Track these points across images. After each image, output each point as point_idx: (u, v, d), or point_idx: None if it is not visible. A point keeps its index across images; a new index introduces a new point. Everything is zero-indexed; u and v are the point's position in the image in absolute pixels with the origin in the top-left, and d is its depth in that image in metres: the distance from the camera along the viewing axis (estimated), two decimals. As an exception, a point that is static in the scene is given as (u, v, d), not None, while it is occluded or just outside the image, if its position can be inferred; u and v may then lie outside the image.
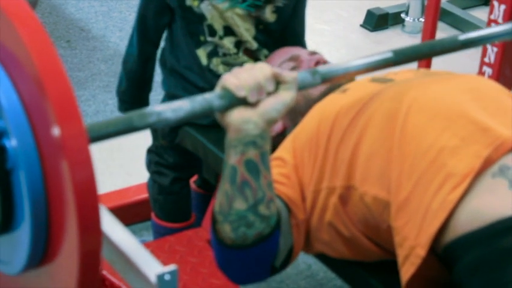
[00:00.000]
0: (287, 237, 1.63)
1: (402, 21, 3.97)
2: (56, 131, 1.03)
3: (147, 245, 2.15)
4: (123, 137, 3.24)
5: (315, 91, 1.83)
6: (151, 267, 1.12)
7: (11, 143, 1.09)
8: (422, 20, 3.85)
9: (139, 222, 2.61)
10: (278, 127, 1.87)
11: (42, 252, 1.12)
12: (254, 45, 2.08)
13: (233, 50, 2.07)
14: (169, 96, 2.16)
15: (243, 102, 1.47)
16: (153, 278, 1.12)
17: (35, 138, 1.08)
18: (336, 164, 1.65)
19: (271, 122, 1.51)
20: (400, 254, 1.54)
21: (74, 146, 1.03)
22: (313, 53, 1.93)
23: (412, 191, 1.53)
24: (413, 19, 3.94)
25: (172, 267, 1.12)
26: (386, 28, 3.99)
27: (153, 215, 2.32)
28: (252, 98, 1.47)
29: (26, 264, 1.14)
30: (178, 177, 2.24)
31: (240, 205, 1.53)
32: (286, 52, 1.94)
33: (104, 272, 1.94)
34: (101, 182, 2.95)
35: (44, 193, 1.09)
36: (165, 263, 1.15)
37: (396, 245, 1.56)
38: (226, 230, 1.54)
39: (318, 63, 1.89)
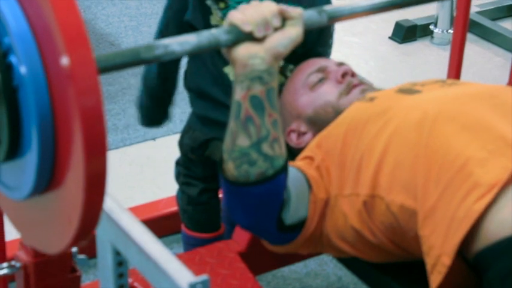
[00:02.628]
0: (303, 205, 1.65)
1: (431, 32, 3.96)
2: (64, 59, 1.04)
3: (177, 256, 2.16)
4: (154, 151, 3.25)
5: (345, 102, 1.83)
6: (184, 277, 1.13)
7: (16, 60, 1.10)
8: (451, 31, 3.84)
9: (169, 235, 2.62)
10: (308, 137, 1.88)
11: (49, 177, 1.14)
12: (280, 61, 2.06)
13: None
14: (200, 118, 2.16)
15: (249, 37, 1.49)
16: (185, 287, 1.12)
17: (43, 65, 1.09)
18: (360, 172, 1.65)
19: (278, 58, 1.53)
20: (428, 262, 1.54)
21: (82, 73, 1.04)
22: (340, 64, 1.93)
23: (439, 199, 1.53)
24: (442, 31, 3.93)
25: (204, 277, 1.12)
26: (415, 40, 3.99)
27: (182, 226, 2.33)
28: (258, 33, 1.49)
29: (32, 189, 1.15)
30: (207, 188, 2.24)
31: (243, 142, 1.55)
32: (314, 63, 1.94)
33: (136, 284, 1.95)
34: (131, 196, 2.97)
35: (51, 119, 1.10)
36: (195, 274, 1.15)
37: (424, 253, 1.56)
38: (230, 168, 1.57)
39: (345, 74, 1.89)
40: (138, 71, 3.57)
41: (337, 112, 1.82)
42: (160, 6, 4.19)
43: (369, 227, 1.66)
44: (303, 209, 1.66)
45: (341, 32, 3.96)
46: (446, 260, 1.50)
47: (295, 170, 1.70)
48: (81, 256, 1.56)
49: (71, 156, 1.09)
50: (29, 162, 1.14)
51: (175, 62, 2.17)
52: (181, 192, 2.29)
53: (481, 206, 1.48)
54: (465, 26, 2.60)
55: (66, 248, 1.16)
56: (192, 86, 2.15)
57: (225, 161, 1.59)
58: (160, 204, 2.67)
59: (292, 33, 1.52)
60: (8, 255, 1.74)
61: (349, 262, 1.89)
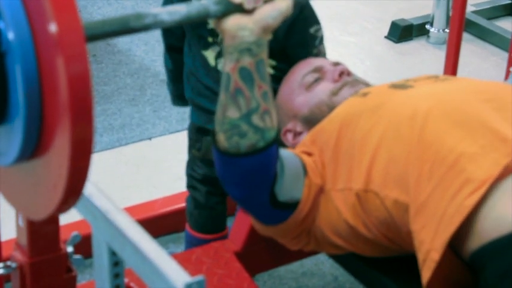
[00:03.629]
0: (297, 186, 1.67)
1: (427, 32, 3.96)
2: (52, 25, 1.04)
3: (173, 256, 2.16)
4: (150, 150, 3.25)
5: (339, 100, 1.83)
6: (180, 277, 1.12)
7: (3, 25, 1.10)
8: (447, 30, 3.84)
9: (165, 235, 2.62)
10: (303, 137, 1.88)
11: (35, 143, 1.14)
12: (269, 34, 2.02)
13: None
14: (192, 103, 2.17)
15: (239, 9, 1.50)
16: (181, 288, 1.12)
17: (31, 31, 1.09)
18: (353, 166, 1.66)
19: (267, 30, 1.54)
20: (419, 258, 1.55)
21: (69, 40, 1.04)
22: (336, 64, 1.93)
23: (430, 194, 1.54)
24: (438, 30, 3.93)
25: (199, 277, 1.12)
26: (411, 39, 3.99)
27: (187, 226, 2.33)
28: (248, 5, 1.50)
29: (18, 155, 1.15)
30: (212, 192, 2.24)
31: (232, 113, 1.57)
32: (310, 63, 1.95)
33: (132, 284, 1.95)
34: (127, 196, 2.96)
35: (38, 85, 1.10)
36: (191, 274, 1.15)
37: (415, 249, 1.56)
38: (221, 140, 1.59)
39: (342, 73, 1.89)
40: (134, 71, 3.58)
41: (332, 109, 1.82)
42: (155, 5, 4.19)
43: (363, 221, 1.67)
44: (297, 190, 1.68)
45: (337, 31, 3.96)
46: (435, 256, 1.51)
47: (292, 153, 1.71)
48: (77, 256, 1.56)
49: (57, 123, 1.09)
50: (16, 128, 1.14)
51: (177, 37, 2.17)
52: (190, 196, 2.29)
53: (471, 201, 1.49)
54: (461, 25, 2.60)
55: (51, 214, 1.16)
56: (185, 66, 2.16)
57: (216, 132, 1.60)
58: (156, 204, 2.66)
59: (282, 6, 1.54)
60: (4, 255, 1.74)
61: (346, 261, 1.89)
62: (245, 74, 1.55)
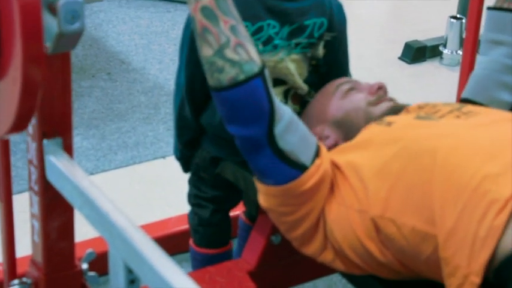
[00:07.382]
0: (306, 151, 1.69)
1: (440, 53, 3.97)
2: None
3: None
4: (164, 169, 3.23)
5: (377, 111, 1.85)
6: (195, 295, 1.13)
7: None
8: (460, 52, 3.85)
9: (179, 254, 2.62)
10: (330, 142, 1.88)
11: None
12: (305, 89, 2.03)
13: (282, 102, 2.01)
14: (209, 135, 2.15)
15: None
16: (196, 306, 1.12)
17: None
18: (369, 192, 1.66)
19: None
20: (452, 283, 1.54)
21: None
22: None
23: (458, 219, 1.53)
24: (452, 51, 3.94)
25: (215, 295, 1.13)
26: (424, 61, 4.00)
27: (191, 241, 2.33)
28: None
29: None
30: (218, 209, 2.24)
31: (206, 52, 1.64)
32: (344, 79, 1.98)
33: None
34: (140, 214, 2.94)
35: None
36: (206, 292, 1.15)
37: (447, 275, 1.56)
38: (208, 79, 1.65)
39: (380, 88, 1.92)
40: (148, 89, 3.60)
41: (368, 119, 1.84)
42: (170, 24, 4.21)
43: (377, 245, 1.67)
44: (305, 155, 1.69)
45: (350, 52, 3.97)
46: (476, 279, 1.51)
47: (311, 134, 1.73)
48: (92, 273, 1.56)
49: (13, 47, 1.18)
50: None
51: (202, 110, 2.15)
52: (193, 213, 2.29)
53: (501, 221, 1.49)
54: (474, 47, 2.61)
55: (5, 133, 1.28)
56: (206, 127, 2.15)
57: (205, 74, 1.66)
58: (169, 223, 2.67)
59: None
60: (19, 271, 1.75)
61: (360, 283, 1.88)
62: (207, 12, 1.61)
